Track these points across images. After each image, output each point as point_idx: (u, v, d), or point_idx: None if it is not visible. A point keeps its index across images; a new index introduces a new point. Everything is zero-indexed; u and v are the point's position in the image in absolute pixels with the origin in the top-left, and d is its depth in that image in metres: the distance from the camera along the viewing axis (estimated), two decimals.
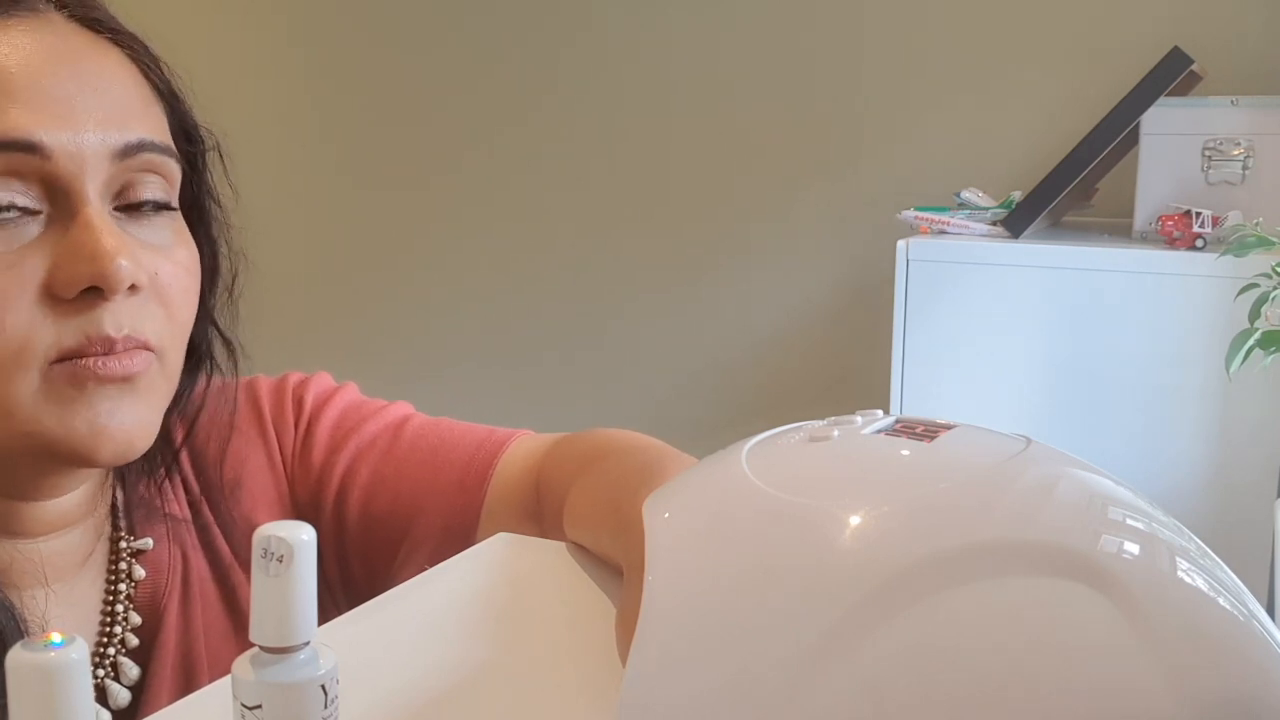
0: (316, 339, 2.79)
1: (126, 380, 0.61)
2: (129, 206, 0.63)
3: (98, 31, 0.64)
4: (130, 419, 0.61)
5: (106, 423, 0.60)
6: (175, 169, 0.66)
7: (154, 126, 0.65)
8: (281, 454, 0.79)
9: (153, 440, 0.64)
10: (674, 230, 2.39)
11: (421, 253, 2.67)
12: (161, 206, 0.65)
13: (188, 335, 0.67)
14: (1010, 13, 2.05)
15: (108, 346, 0.60)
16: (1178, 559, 0.39)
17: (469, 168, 2.58)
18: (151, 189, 0.64)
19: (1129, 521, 0.40)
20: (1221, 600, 0.39)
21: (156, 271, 0.63)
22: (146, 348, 0.62)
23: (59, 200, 0.60)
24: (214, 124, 0.71)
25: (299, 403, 0.80)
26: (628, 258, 2.44)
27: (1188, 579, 0.39)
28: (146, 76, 0.66)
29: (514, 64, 2.50)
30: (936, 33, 2.11)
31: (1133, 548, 0.39)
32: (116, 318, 0.60)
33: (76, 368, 0.59)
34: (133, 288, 0.61)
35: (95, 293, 0.59)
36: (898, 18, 2.14)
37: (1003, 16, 2.05)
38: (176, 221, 0.67)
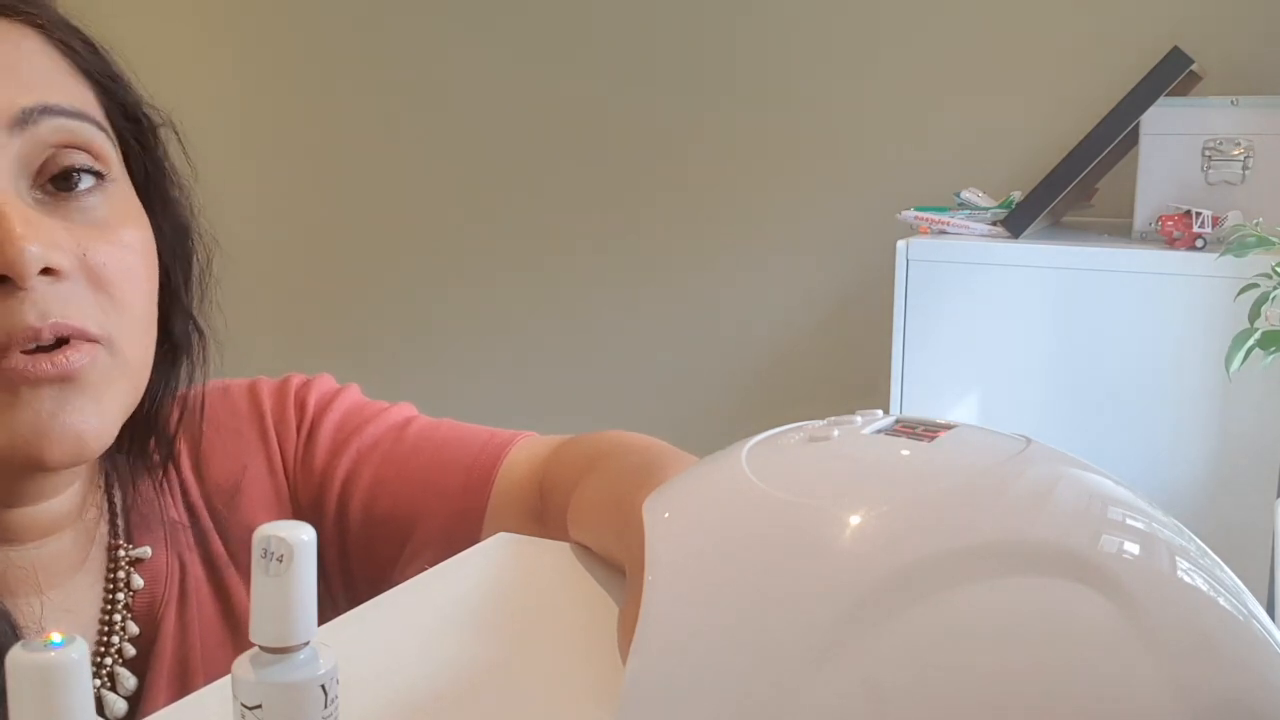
0: (310, 332, 2.79)
1: (67, 379, 0.57)
2: (58, 184, 0.60)
3: (9, 17, 0.61)
4: (76, 417, 0.58)
5: (50, 423, 0.57)
6: (100, 138, 0.62)
7: (67, 96, 0.61)
8: (283, 457, 0.78)
9: (111, 438, 0.61)
10: (673, 230, 2.39)
11: (422, 247, 2.67)
12: (88, 173, 0.61)
13: (146, 321, 0.64)
14: (1010, 13, 2.05)
15: (33, 336, 0.56)
16: (1178, 559, 0.39)
17: (467, 165, 2.58)
18: (74, 158, 0.60)
19: (1129, 521, 0.40)
20: (1221, 600, 0.39)
21: (86, 253, 0.59)
22: (85, 338, 0.58)
23: None
24: (202, 114, 0.69)
25: (301, 405, 0.79)
26: (627, 257, 2.44)
27: (1188, 579, 0.39)
28: (67, 57, 0.63)
29: (517, 57, 2.50)
30: (937, 33, 2.11)
31: (1133, 548, 0.39)
32: (39, 306, 0.56)
33: (4, 372, 0.56)
34: (52, 272, 0.57)
35: (10, 284, 0.56)
36: (898, 18, 2.14)
37: (1002, 17, 2.05)
38: (116, 198, 0.63)
